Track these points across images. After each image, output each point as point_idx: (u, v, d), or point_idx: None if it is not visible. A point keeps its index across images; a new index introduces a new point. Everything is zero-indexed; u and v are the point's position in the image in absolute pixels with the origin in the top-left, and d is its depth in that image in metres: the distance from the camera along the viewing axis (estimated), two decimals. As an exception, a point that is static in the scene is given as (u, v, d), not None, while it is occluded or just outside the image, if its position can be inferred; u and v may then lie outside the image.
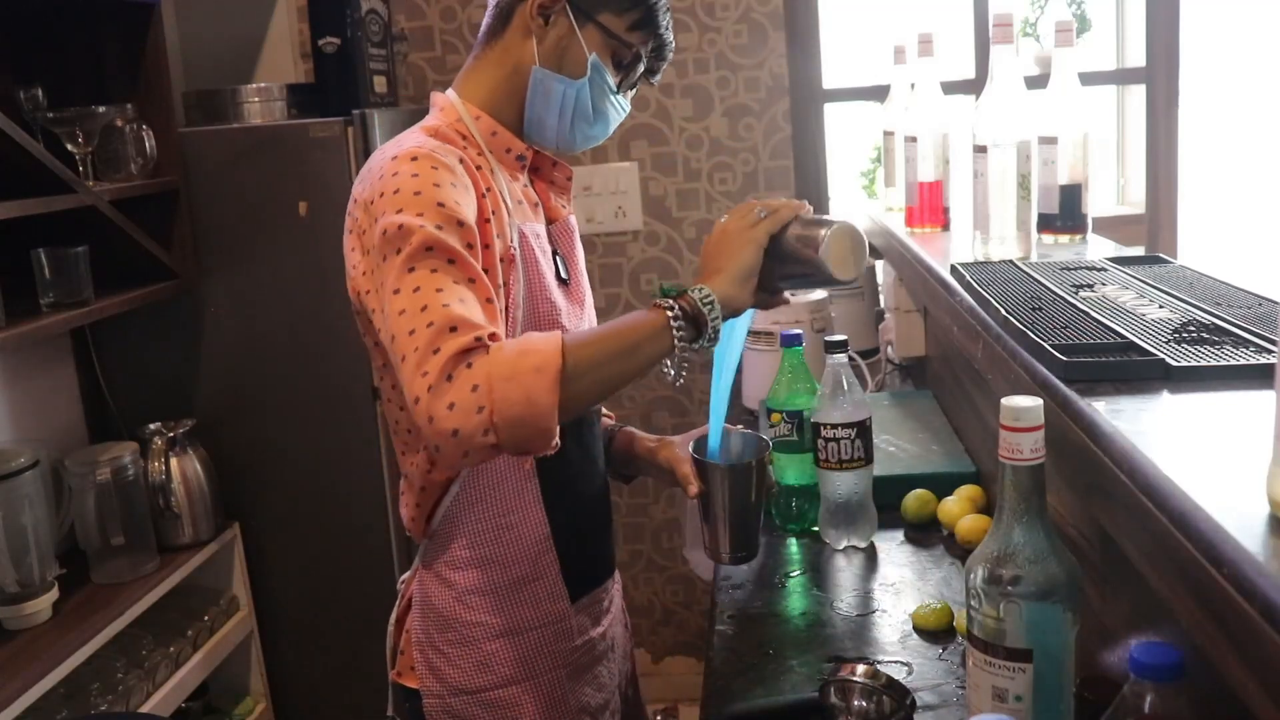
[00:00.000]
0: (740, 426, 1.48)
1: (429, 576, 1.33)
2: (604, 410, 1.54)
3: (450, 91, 1.34)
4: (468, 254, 1.12)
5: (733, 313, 1.17)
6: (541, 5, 1.26)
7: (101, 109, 2.11)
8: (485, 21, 1.33)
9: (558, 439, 1.07)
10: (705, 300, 1.13)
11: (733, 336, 1.26)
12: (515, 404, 1.02)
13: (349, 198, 1.26)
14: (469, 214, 1.15)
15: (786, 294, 1.28)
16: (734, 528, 1.36)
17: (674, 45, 1.36)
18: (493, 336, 1.07)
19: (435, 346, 1.04)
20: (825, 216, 1.20)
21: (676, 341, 1.12)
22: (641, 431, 1.50)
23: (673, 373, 1.18)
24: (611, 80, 1.31)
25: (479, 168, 1.25)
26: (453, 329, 1.04)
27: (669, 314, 1.11)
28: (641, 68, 1.34)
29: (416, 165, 1.15)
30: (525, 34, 1.28)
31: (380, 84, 2.56)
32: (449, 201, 1.13)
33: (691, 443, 1.38)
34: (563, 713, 1.33)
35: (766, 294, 1.22)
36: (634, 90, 1.37)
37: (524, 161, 1.33)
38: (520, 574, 1.31)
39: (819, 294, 2.28)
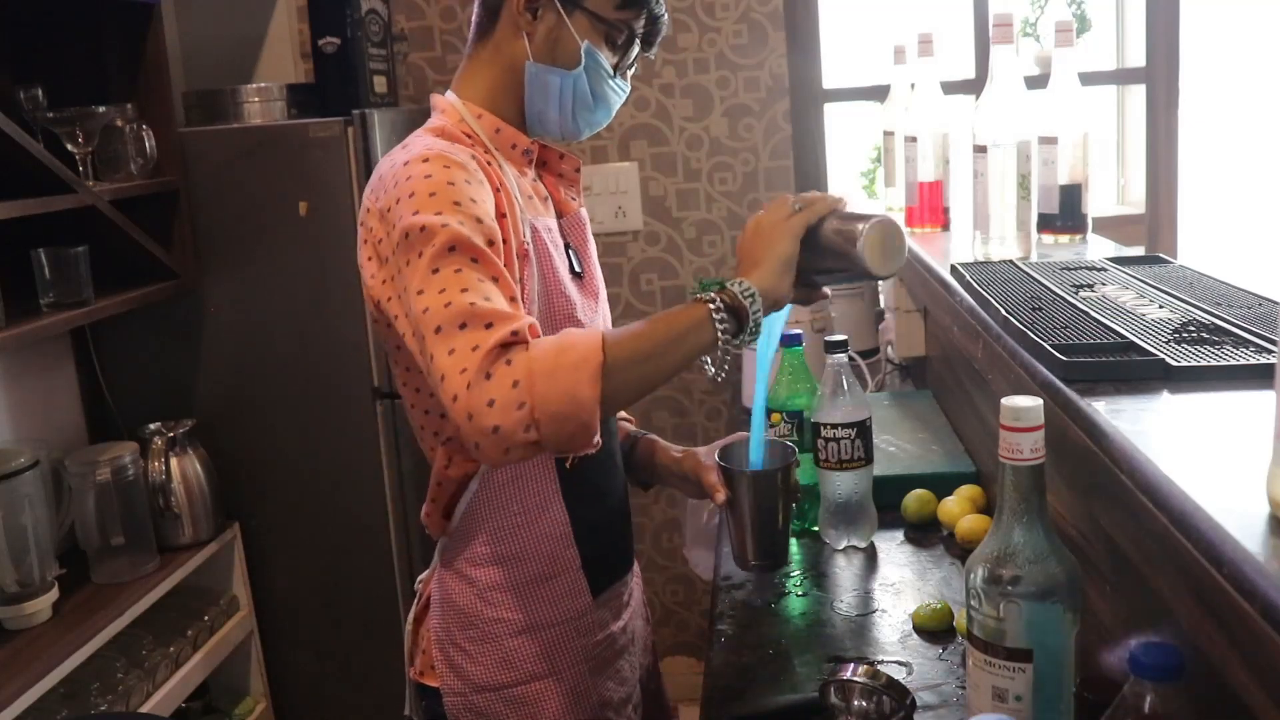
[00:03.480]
0: (771, 434, 1.47)
1: (449, 574, 1.32)
2: (624, 414, 1.54)
3: (449, 93, 1.33)
4: (490, 250, 1.10)
5: (773, 305, 1.15)
6: (527, 0, 1.26)
7: (101, 109, 2.11)
8: (474, 19, 1.32)
9: (599, 436, 1.06)
10: (746, 293, 1.11)
11: (769, 334, 1.26)
12: (557, 400, 1.01)
13: (351, 199, 1.26)
14: (488, 209, 1.15)
15: (826, 289, 1.26)
16: (759, 534, 1.36)
17: (666, 18, 1.34)
18: (531, 329, 1.06)
19: (473, 344, 1.02)
20: (863, 211, 1.17)
21: (720, 335, 1.10)
22: (665, 441, 1.50)
23: (713, 369, 1.16)
24: (608, 64, 1.30)
25: (488, 164, 1.25)
26: (487, 325, 1.03)
27: (711, 307, 1.10)
28: (637, 47, 1.32)
29: (429, 166, 1.15)
30: (515, 30, 1.27)
31: (380, 84, 2.56)
32: (465, 199, 1.13)
33: (717, 451, 1.38)
34: (585, 708, 1.33)
35: (805, 288, 1.21)
36: (633, 69, 1.35)
37: (530, 156, 1.32)
38: (541, 570, 1.30)
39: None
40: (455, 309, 1.04)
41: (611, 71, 1.30)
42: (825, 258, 1.16)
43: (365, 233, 1.22)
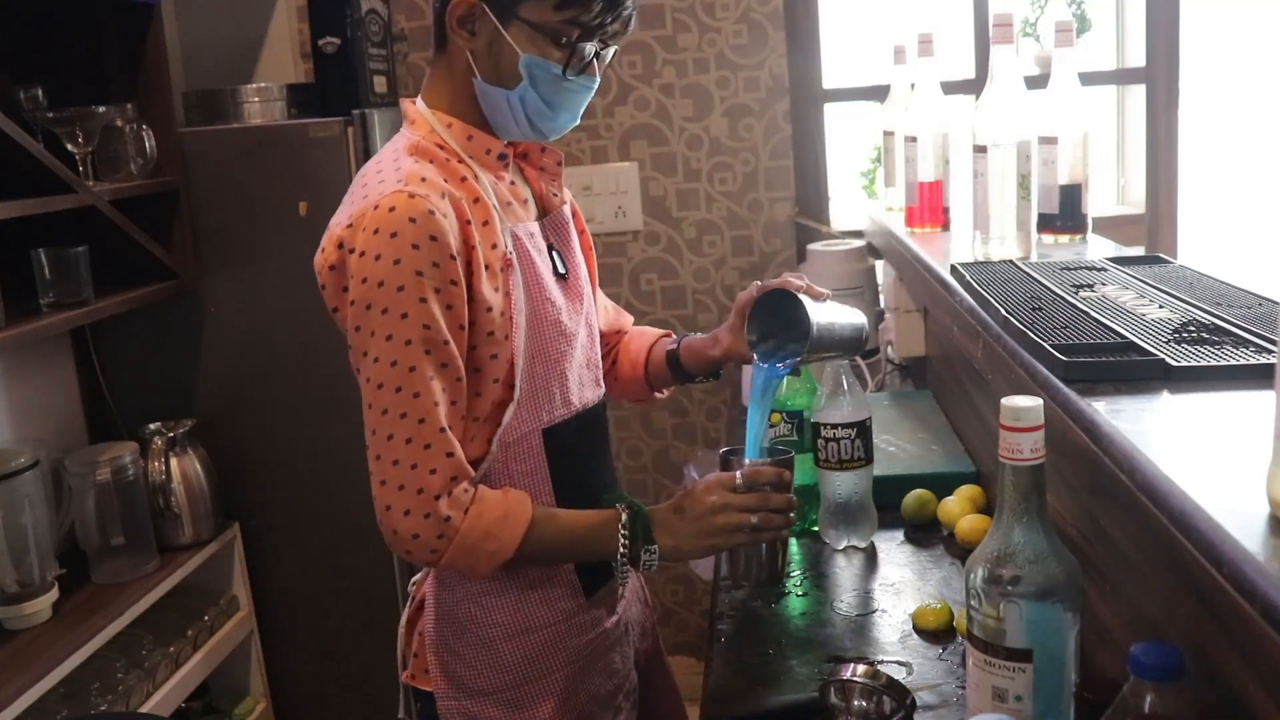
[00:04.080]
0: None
1: (444, 578, 1.32)
2: (660, 331, 1.56)
3: (419, 101, 1.30)
4: (444, 326, 1.16)
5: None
6: (460, 18, 1.22)
7: (101, 109, 2.11)
8: (435, 29, 1.28)
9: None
10: (648, 561, 1.26)
11: (762, 395, 1.37)
12: (461, 566, 1.21)
13: None
14: (451, 268, 1.16)
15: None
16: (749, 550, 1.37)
17: (629, 7, 1.23)
18: (470, 483, 1.20)
19: (414, 464, 1.17)
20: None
21: (616, 568, 1.26)
22: (693, 336, 1.51)
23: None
24: (557, 68, 1.21)
25: (464, 179, 1.22)
26: (433, 471, 1.16)
27: (620, 550, 1.24)
28: (592, 44, 1.23)
29: (395, 220, 1.14)
30: (460, 46, 1.24)
31: (380, 84, 2.56)
32: (427, 266, 1.14)
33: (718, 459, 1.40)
34: (575, 705, 1.33)
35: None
36: (610, 54, 1.28)
37: (505, 160, 1.30)
38: (535, 574, 1.30)
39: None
40: (405, 419, 1.16)
41: (562, 73, 1.22)
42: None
43: (321, 255, 1.21)
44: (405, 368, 1.15)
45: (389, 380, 1.16)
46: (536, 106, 1.25)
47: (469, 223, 1.19)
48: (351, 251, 1.16)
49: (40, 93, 2.09)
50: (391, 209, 1.14)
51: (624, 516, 1.24)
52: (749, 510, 1.26)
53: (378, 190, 1.17)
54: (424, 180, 1.18)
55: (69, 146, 2.09)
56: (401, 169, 1.19)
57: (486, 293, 1.20)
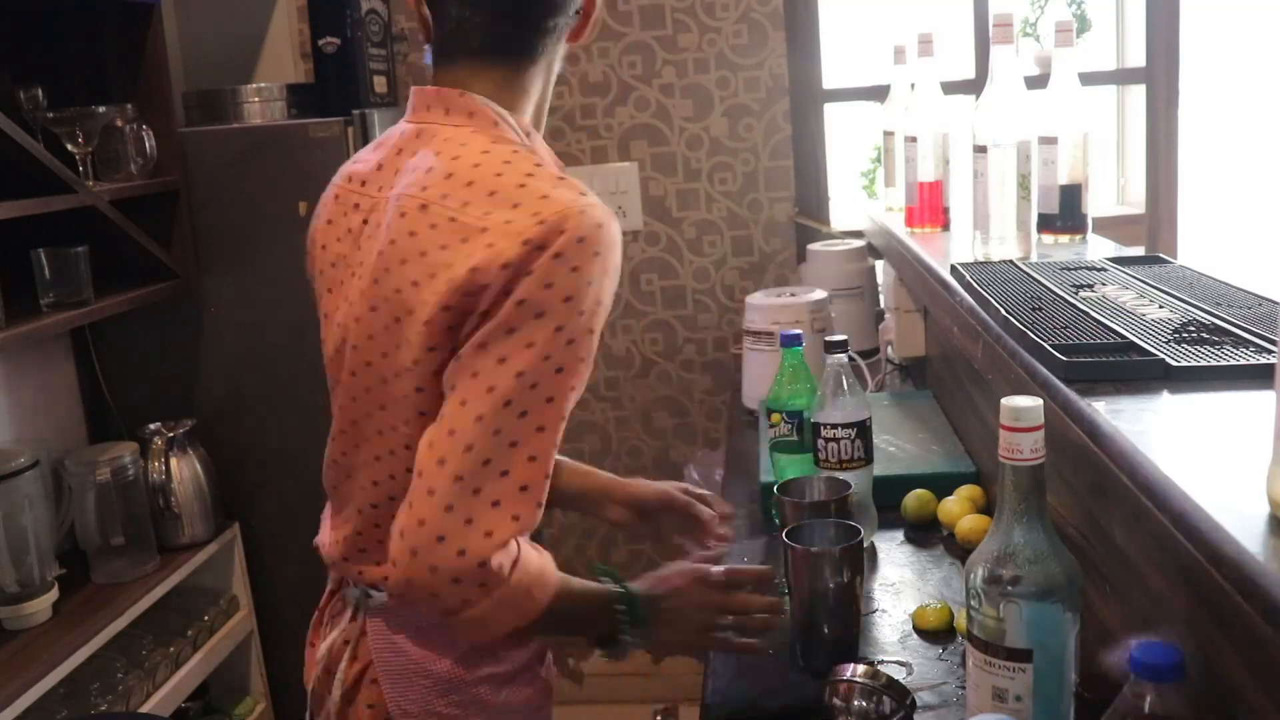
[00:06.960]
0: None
1: (416, 636, 1.19)
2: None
3: (496, 106, 1.14)
4: (588, 368, 1.05)
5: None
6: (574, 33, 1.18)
7: (101, 109, 2.11)
8: (517, 36, 1.14)
9: None
10: (627, 644, 1.17)
11: None
12: (495, 624, 1.05)
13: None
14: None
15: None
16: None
17: None
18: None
19: (497, 501, 1.01)
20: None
21: (599, 644, 1.17)
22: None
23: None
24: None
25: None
26: (515, 518, 1.02)
27: (620, 618, 1.15)
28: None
29: (603, 239, 1.02)
30: (560, 38, 1.17)
31: (380, 84, 2.56)
32: (607, 297, 1.04)
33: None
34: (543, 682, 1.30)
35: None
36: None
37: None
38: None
39: (819, 294, 2.28)
40: (507, 463, 1.00)
41: None
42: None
43: (495, 239, 1.01)
44: (543, 395, 1.00)
45: (518, 399, 0.99)
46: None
47: None
48: (546, 252, 0.99)
49: (40, 93, 2.09)
50: (599, 225, 1.02)
51: (610, 580, 1.17)
52: (729, 612, 1.20)
53: (550, 187, 1.03)
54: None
55: (69, 146, 2.09)
56: (539, 164, 1.07)
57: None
